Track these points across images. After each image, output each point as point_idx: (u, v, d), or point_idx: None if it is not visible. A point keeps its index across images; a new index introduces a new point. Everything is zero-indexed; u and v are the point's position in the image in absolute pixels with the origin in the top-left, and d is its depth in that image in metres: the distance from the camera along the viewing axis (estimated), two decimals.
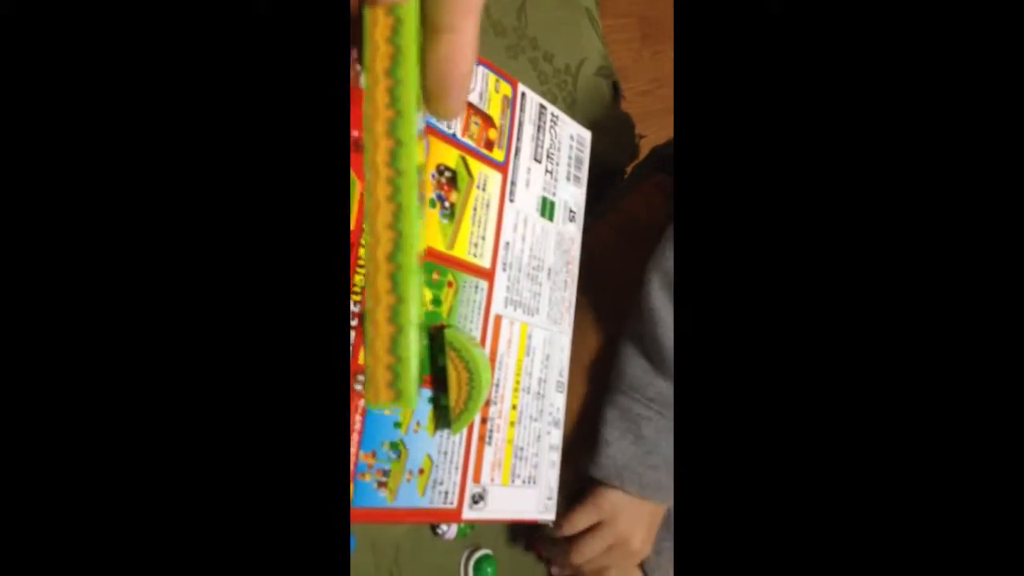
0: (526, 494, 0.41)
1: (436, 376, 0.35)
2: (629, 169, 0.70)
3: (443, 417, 0.35)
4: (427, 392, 0.35)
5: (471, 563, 0.48)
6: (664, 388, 0.50)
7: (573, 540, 0.50)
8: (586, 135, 0.46)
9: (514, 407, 0.40)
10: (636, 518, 0.50)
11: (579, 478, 0.51)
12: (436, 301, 0.35)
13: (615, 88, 0.70)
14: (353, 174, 0.31)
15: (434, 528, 0.46)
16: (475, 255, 0.37)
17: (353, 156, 0.31)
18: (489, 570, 0.48)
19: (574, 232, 0.45)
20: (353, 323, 0.31)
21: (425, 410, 0.34)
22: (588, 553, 0.50)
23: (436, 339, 0.35)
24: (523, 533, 0.53)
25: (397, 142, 0.19)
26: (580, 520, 0.50)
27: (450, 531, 0.46)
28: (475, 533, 0.49)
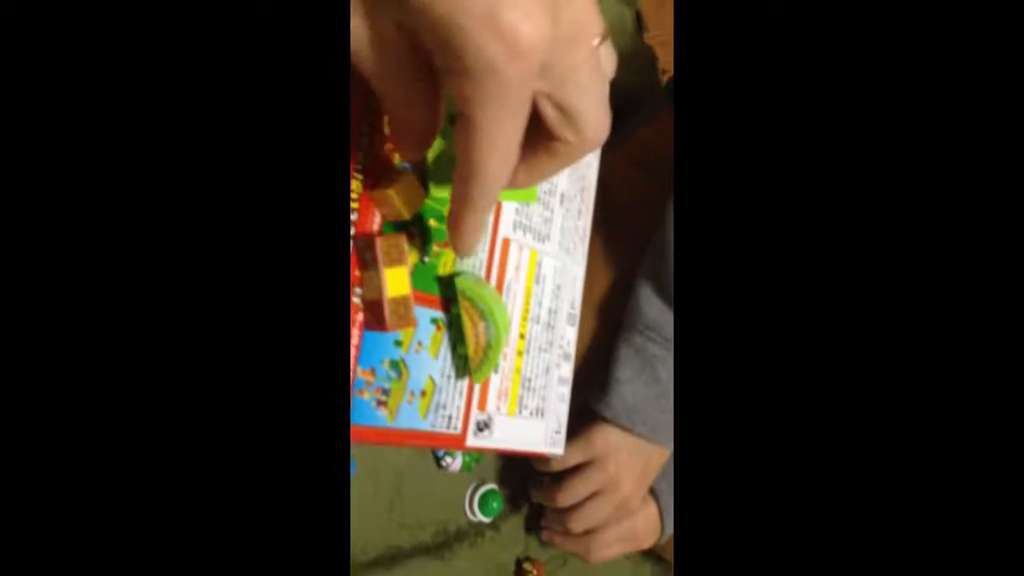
0: (534, 426, 0.40)
1: (452, 324, 0.34)
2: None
3: (463, 367, 0.34)
4: (430, 317, 0.33)
5: (476, 496, 0.47)
6: None
7: (560, 481, 0.49)
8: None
9: (522, 336, 0.39)
10: (629, 461, 0.48)
11: (580, 414, 0.50)
12: (441, 218, 0.33)
13: (638, 18, 0.67)
14: None
15: (438, 460, 0.45)
16: None
17: None
18: (495, 504, 0.48)
19: (591, 157, 0.43)
20: (352, 230, 0.29)
21: (428, 330, 0.33)
22: (575, 494, 0.49)
23: (447, 288, 0.33)
24: (520, 474, 0.52)
25: None
26: (571, 456, 0.48)
27: (455, 463, 0.45)
28: (480, 467, 0.48)
